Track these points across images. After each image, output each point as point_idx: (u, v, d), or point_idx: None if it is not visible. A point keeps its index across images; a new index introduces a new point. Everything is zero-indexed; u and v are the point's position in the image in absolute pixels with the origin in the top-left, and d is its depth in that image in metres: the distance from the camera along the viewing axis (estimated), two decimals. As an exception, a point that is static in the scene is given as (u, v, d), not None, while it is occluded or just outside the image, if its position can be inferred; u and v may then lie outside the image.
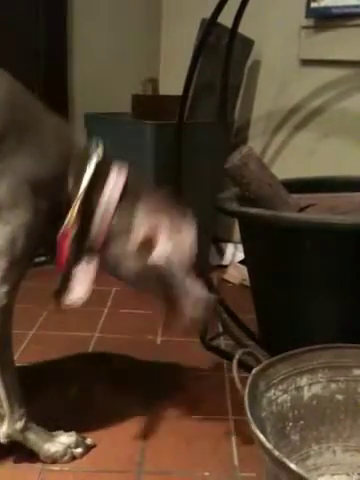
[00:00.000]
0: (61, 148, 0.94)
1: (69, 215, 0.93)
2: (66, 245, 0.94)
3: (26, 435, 1.00)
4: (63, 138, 0.97)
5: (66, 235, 0.94)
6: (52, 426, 1.14)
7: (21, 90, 0.94)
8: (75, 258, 0.96)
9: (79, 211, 0.92)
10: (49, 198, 0.92)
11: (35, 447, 1.02)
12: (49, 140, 0.93)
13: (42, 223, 0.93)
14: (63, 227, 0.93)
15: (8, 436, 0.99)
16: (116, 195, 0.95)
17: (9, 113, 0.88)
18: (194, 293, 0.96)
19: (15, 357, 1.39)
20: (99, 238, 0.96)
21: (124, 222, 0.95)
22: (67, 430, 1.07)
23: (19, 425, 0.99)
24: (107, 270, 1.01)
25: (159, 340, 1.55)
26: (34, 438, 1.01)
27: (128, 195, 0.96)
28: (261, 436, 0.78)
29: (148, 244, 0.90)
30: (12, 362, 1.01)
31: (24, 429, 1.00)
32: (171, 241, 0.91)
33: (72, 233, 0.93)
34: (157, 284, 0.95)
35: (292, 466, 0.73)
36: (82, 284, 0.97)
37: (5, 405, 0.97)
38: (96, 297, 1.74)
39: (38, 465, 1.03)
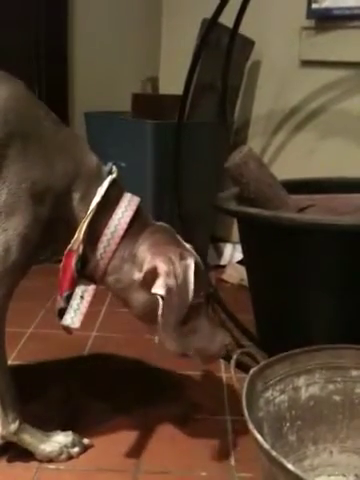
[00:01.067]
0: (67, 163, 0.93)
1: (76, 235, 0.92)
2: (71, 266, 0.93)
3: (21, 436, 1.00)
4: (71, 154, 0.95)
5: (71, 256, 0.93)
6: (49, 425, 1.14)
7: (32, 101, 0.94)
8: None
9: (85, 233, 0.92)
10: (49, 211, 0.91)
11: (30, 447, 1.02)
12: (55, 153, 0.92)
13: (39, 234, 0.92)
14: (68, 247, 0.93)
15: (2, 437, 0.99)
16: (124, 224, 0.94)
17: (15, 121, 0.88)
18: (208, 336, 0.98)
19: (12, 355, 1.40)
20: (101, 265, 0.96)
21: (127, 253, 0.95)
22: (64, 429, 1.07)
23: (13, 427, 0.98)
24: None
25: (157, 339, 1.55)
26: (29, 439, 1.01)
27: (134, 226, 0.96)
28: (258, 436, 0.78)
29: (151, 276, 0.90)
30: (5, 364, 1.00)
31: (18, 430, 0.99)
32: (173, 274, 0.90)
33: (77, 254, 0.93)
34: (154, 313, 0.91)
35: (289, 466, 0.73)
36: (78, 310, 0.97)
37: None
38: (94, 296, 1.76)
39: (34, 464, 1.02)
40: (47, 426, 1.08)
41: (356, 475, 0.99)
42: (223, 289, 1.86)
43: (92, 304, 1.67)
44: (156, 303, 0.89)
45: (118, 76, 2.17)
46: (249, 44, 1.98)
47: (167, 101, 1.87)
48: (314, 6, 1.78)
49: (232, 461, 1.06)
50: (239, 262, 2.01)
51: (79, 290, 0.97)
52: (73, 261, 0.93)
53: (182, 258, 0.92)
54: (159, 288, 0.88)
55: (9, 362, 1.38)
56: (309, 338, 1.08)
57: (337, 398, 1.01)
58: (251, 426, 0.80)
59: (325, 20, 1.78)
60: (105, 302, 1.78)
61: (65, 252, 0.93)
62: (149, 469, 1.03)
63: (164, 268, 0.89)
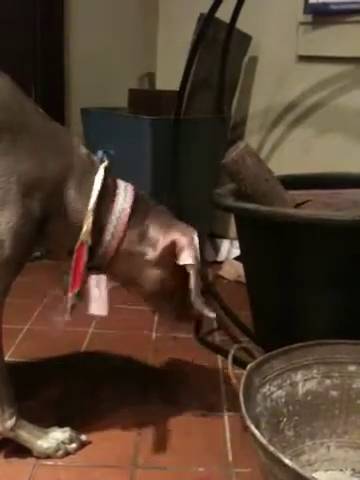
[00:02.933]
0: (59, 155, 0.94)
1: (84, 227, 0.93)
2: (83, 257, 0.94)
3: (18, 432, 1.00)
4: (61, 145, 0.96)
5: (82, 248, 0.94)
6: (46, 422, 1.14)
7: (19, 94, 0.94)
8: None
9: (95, 223, 0.93)
10: (42, 204, 0.91)
11: (28, 444, 1.02)
12: (45, 146, 0.92)
13: (33, 228, 0.91)
14: (78, 242, 0.94)
15: None
16: (128, 209, 0.97)
17: (2, 114, 0.88)
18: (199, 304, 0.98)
19: (9, 352, 1.39)
20: (109, 252, 0.97)
21: (136, 236, 0.97)
22: (61, 426, 1.07)
23: (10, 423, 0.98)
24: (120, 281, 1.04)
25: (154, 336, 1.55)
26: (26, 435, 1.01)
27: (137, 209, 0.98)
28: (256, 431, 0.78)
29: (171, 251, 0.95)
30: (2, 360, 1.00)
31: (15, 427, 0.99)
32: (191, 248, 0.96)
33: (87, 246, 0.94)
34: (167, 289, 0.99)
35: (287, 461, 0.73)
36: (101, 299, 1.02)
37: None
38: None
39: (31, 460, 1.02)
40: (44, 422, 1.07)
41: (353, 470, 1.00)
42: (220, 285, 1.85)
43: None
44: (168, 279, 0.97)
45: (115, 72, 2.17)
46: (246, 39, 1.97)
47: (164, 97, 1.86)
48: (311, 1, 1.77)
49: (230, 457, 1.06)
50: (236, 258, 2.01)
51: (93, 281, 1.00)
52: (84, 254, 0.94)
53: (191, 232, 0.98)
54: (188, 259, 0.93)
55: (5, 359, 1.38)
56: (306, 334, 1.08)
57: (334, 393, 1.01)
58: (248, 421, 0.80)
59: (322, 15, 1.78)
60: (102, 298, 1.78)
61: (76, 246, 0.94)
62: (146, 465, 1.03)
63: (186, 241, 0.95)
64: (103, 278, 1.01)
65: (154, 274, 1.00)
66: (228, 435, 1.13)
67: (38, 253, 2.12)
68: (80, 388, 1.27)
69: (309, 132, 1.93)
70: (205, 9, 1.48)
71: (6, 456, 1.03)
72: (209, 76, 1.85)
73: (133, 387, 1.29)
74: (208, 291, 1.59)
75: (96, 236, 0.95)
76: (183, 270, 0.95)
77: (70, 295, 0.97)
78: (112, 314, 1.67)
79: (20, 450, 1.04)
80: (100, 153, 1.00)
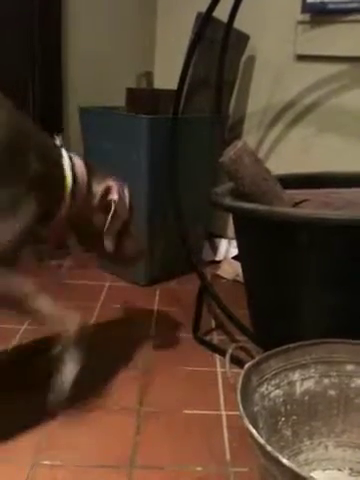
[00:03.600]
0: (46, 150, 1.15)
1: (63, 205, 1.16)
2: (61, 226, 1.20)
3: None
4: (44, 141, 1.17)
5: (60, 220, 1.18)
6: (44, 421, 1.14)
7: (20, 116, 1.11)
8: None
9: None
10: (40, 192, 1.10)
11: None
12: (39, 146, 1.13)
13: (33, 221, 1.10)
14: (62, 206, 1.16)
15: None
16: (85, 174, 1.21)
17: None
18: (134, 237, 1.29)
19: (7, 352, 1.40)
20: (80, 206, 1.20)
21: (88, 190, 1.23)
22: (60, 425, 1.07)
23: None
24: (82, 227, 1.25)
25: (152, 335, 1.55)
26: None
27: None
28: (253, 431, 0.78)
29: (106, 193, 1.24)
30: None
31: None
32: (119, 191, 1.24)
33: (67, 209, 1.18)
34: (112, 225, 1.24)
35: (284, 461, 0.73)
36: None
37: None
38: (89, 292, 1.76)
39: (28, 460, 1.02)
40: (43, 422, 1.07)
41: (351, 469, 1.00)
42: (218, 284, 1.86)
43: (87, 300, 1.67)
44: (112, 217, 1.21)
45: (113, 71, 2.16)
46: (244, 38, 1.97)
47: (162, 96, 1.86)
48: (309, 0, 1.77)
49: (227, 456, 1.06)
50: (234, 258, 2.01)
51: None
52: (62, 221, 1.19)
53: (121, 183, 1.26)
54: (113, 196, 1.23)
55: (3, 358, 1.38)
56: (304, 333, 1.08)
57: (332, 393, 1.01)
58: (246, 421, 0.80)
59: (320, 14, 1.78)
60: (100, 298, 1.78)
61: (59, 210, 1.17)
62: (144, 465, 1.03)
63: (114, 184, 1.24)
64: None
65: (99, 216, 1.23)
66: (226, 434, 1.13)
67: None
68: (77, 388, 1.27)
69: (307, 131, 1.93)
70: (203, 8, 1.47)
71: (4, 456, 1.03)
72: (207, 75, 1.85)
73: (130, 386, 1.29)
74: (206, 289, 1.59)
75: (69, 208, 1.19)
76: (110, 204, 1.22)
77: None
78: (110, 314, 1.68)
79: (18, 450, 1.04)
80: (56, 138, 1.26)
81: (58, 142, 1.29)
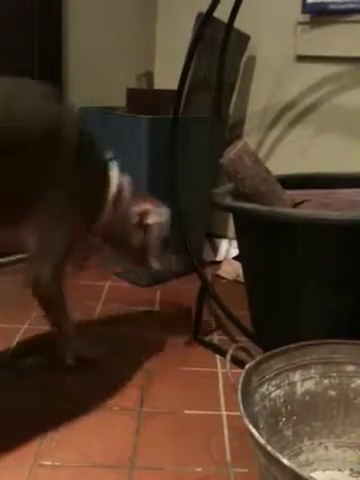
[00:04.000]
0: (99, 162, 1.27)
1: (104, 213, 1.27)
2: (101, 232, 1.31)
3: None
4: (99, 153, 1.28)
5: (101, 225, 1.28)
6: (45, 422, 1.14)
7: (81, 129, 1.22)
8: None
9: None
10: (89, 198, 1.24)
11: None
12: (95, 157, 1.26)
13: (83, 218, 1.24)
14: (101, 218, 1.27)
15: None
16: (129, 191, 1.31)
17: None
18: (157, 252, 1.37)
19: (8, 352, 1.40)
20: (119, 223, 1.31)
21: (127, 210, 1.33)
22: (60, 426, 1.07)
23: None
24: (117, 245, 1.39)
25: (152, 335, 1.55)
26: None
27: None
28: (254, 431, 0.78)
29: (143, 216, 1.33)
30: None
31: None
32: (156, 214, 1.33)
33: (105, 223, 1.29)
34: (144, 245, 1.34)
35: (285, 461, 0.73)
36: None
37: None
38: (90, 292, 1.76)
39: (29, 461, 1.02)
40: (42, 422, 1.07)
41: (351, 470, 1.00)
42: (219, 285, 1.85)
43: (87, 300, 1.67)
44: (146, 239, 1.32)
45: (113, 71, 2.16)
46: (244, 39, 1.97)
47: (162, 96, 1.86)
48: (309, 0, 1.77)
49: (228, 456, 1.06)
50: (235, 258, 2.01)
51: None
52: (101, 229, 1.29)
53: (160, 205, 1.35)
54: (150, 220, 1.32)
55: (4, 358, 1.38)
56: (304, 333, 1.08)
57: (333, 393, 1.01)
58: (247, 421, 0.80)
59: (320, 15, 1.78)
60: (101, 299, 1.78)
61: (98, 223, 1.28)
62: (144, 465, 1.03)
63: (152, 208, 1.33)
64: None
65: (137, 235, 1.34)
66: (226, 435, 1.13)
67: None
68: (77, 388, 1.27)
69: (307, 132, 1.93)
70: (203, 8, 1.47)
71: (4, 456, 1.03)
72: (207, 75, 1.85)
73: (131, 386, 1.29)
74: (206, 289, 1.59)
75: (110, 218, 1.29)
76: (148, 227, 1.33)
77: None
78: (111, 314, 1.68)
79: (17, 450, 1.04)
80: (110, 153, 1.31)
81: (109, 156, 1.32)
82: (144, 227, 1.33)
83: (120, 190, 1.30)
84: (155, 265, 1.36)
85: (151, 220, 1.33)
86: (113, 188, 1.28)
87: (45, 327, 1.51)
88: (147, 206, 1.34)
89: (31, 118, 1.10)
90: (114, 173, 1.29)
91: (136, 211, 1.33)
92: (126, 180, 1.33)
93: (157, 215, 1.34)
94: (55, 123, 1.15)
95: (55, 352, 1.36)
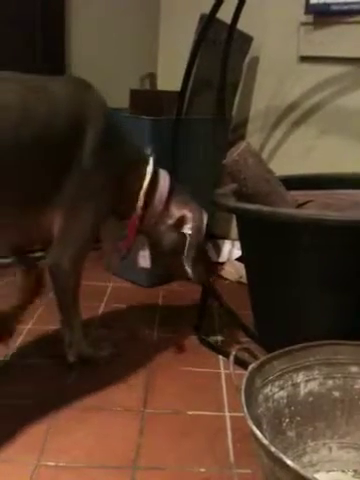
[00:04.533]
0: (130, 153, 1.29)
1: (138, 204, 1.28)
2: (136, 225, 1.30)
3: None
4: (126, 143, 1.28)
5: (136, 219, 1.29)
6: (48, 422, 1.14)
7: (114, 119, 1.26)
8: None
9: (144, 202, 1.28)
10: (116, 189, 1.25)
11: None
12: (125, 147, 1.27)
13: (110, 207, 1.27)
14: (135, 213, 1.29)
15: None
16: (166, 190, 1.32)
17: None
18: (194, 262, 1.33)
19: (13, 352, 1.40)
20: (153, 220, 1.33)
21: (166, 208, 1.33)
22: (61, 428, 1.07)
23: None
24: (151, 241, 1.38)
25: (155, 336, 1.55)
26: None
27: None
28: (257, 432, 0.78)
29: (181, 221, 1.33)
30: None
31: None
32: (195, 222, 1.33)
33: (139, 218, 1.29)
34: (178, 249, 1.33)
35: (288, 462, 0.73)
36: (146, 256, 1.38)
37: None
38: (93, 293, 1.76)
39: (32, 461, 1.02)
40: (46, 421, 1.07)
41: (355, 471, 0.99)
42: (222, 286, 1.85)
43: (91, 300, 1.67)
44: (181, 241, 1.32)
45: (116, 72, 2.17)
46: (247, 40, 1.97)
47: (165, 97, 1.86)
48: (312, 1, 1.77)
49: (231, 457, 1.06)
50: (238, 259, 2.01)
51: (140, 242, 1.36)
52: (137, 222, 1.30)
53: (199, 211, 1.35)
54: (188, 229, 1.32)
55: (6, 359, 1.39)
56: (308, 334, 1.08)
57: (336, 394, 1.01)
58: (250, 422, 0.80)
59: (324, 15, 1.78)
60: (103, 299, 1.78)
61: (132, 217, 1.29)
62: (147, 465, 1.03)
63: (191, 215, 1.33)
64: (145, 240, 1.36)
65: (170, 236, 1.34)
66: (229, 436, 1.13)
67: (41, 253, 2.14)
68: (81, 388, 1.27)
69: (310, 132, 1.93)
70: (206, 10, 1.47)
71: (7, 456, 1.03)
72: (210, 76, 1.85)
73: (134, 386, 1.29)
74: (210, 289, 1.59)
75: (144, 211, 1.29)
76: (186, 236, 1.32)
77: (124, 251, 1.34)
78: (114, 314, 1.68)
79: (21, 450, 1.04)
80: (149, 149, 1.34)
81: (148, 152, 1.34)
82: (181, 233, 1.32)
83: (155, 186, 1.29)
84: (188, 272, 1.32)
85: (188, 228, 1.31)
86: (146, 182, 1.27)
87: (50, 327, 1.51)
88: (186, 212, 1.32)
89: (56, 105, 1.14)
90: (149, 168, 1.29)
91: (175, 214, 1.32)
92: (166, 178, 1.33)
93: (195, 223, 1.32)
94: (79, 109, 1.17)
95: (57, 352, 1.36)
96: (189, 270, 1.31)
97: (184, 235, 1.32)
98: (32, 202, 1.16)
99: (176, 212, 1.32)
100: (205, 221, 1.35)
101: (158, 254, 1.40)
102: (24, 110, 1.09)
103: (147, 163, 1.30)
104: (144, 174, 1.28)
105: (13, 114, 1.07)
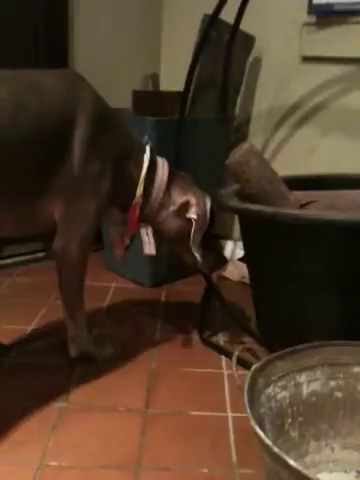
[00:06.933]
0: (126, 140, 1.30)
1: (138, 193, 1.29)
2: (136, 213, 1.31)
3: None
4: (126, 133, 1.32)
5: (136, 206, 1.30)
6: (51, 423, 1.15)
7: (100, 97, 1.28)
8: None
9: (144, 189, 1.29)
10: (113, 170, 1.25)
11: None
12: (119, 133, 1.28)
13: (110, 194, 1.26)
14: (134, 201, 1.29)
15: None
16: (165, 177, 1.33)
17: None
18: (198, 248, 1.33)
19: (15, 353, 1.40)
20: (154, 207, 1.33)
21: (168, 195, 1.34)
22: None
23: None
24: (154, 228, 1.38)
25: (158, 336, 1.55)
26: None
27: (168, 179, 1.34)
28: (260, 432, 0.78)
29: (185, 207, 1.33)
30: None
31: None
32: (199, 206, 1.33)
33: (139, 205, 1.30)
34: (183, 235, 1.33)
35: (291, 462, 0.73)
36: (151, 244, 1.37)
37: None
38: (96, 293, 1.76)
39: (35, 461, 1.02)
40: (49, 422, 1.07)
41: (358, 471, 0.99)
42: (224, 286, 1.85)
43: (93, 301, 1.67)
44: (185, 227, 1.32)
45: (119, 73, 2.17)
46: (250, 40, 1.97)
47: (168, 97, 1.86)
48: (315, 1, 1.77)
49: (234, 457, 1.06)
50: (240, 259, 2.01)
51: (143, 230, 1.36)
52: (137, 210, 1.31)
53: (203, 196, 1.35)
54: (193, 214, 1.32)
55: (11, 359, 1.39)
56: (310, 335, 1.08)
57: (339, 394, 1.01)
58: (253, 422, 0.80)
59: (326, 16, 1.77)
60: (106, 299, 1.78)
61: (132, 205, 1.30)
62: (150, 466, 1.03)
63: (195, 201, 1.33)
64: (149, 228, 1.36)
65: (173, 222, 1.35)
66: (232, 436, 1.13)
67: (42, 254, 2.14)
68: (84, 388, 1.28)
69: (313, 133, 1.92)
70: (209, 10, 1.47)
71: (10, 457, 1.03)
72: (213, 77, 1.85)
73: (137, 387, 1.29)
74: (211, 291, 1.59)
75: (144, 199, 1.30)
76: (191, 222, 1.32)
77: (126, 239, 1.36)
78: (116, 314, 1.68)
79: (24, 451, 1.04)
80: (146, 138, 1.43)
81: (145, 141, 1.39)
82: (185, 219, 1.32)
83: (154, 173, 1.30)
84: (197, 257, 1.32)
85: (193, 214, 1.31)
86: (144, 169, 1.29)
87: (53, 328, 1.52)
88: (189, 197, 1.33)
89: (48, 96, 1.17)
90: (146, 156, 1.30)
91: (177, 200, 1.33)
92: (164, 165, 1.34)
93: (199, 208, 1.32)
94: (71, 98, 1.20)
95: (60, 352, 1.37)
96: (197, 255, 1.31)
97: (189, 221, 1.32)
98: (29, 191, 1.18)
99: (178, 198, 1.33)
100: (209, 206, 1.34)
101: (164, 242, 1.41)
102: (17, 104, 1.12)
103: (144, 152, 1.31)
104: (142, 162, 1.30)
105: (6, 107, 1.10)
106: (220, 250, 1.48)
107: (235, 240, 2.16)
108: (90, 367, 1.35)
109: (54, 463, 1.03)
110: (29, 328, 1.55)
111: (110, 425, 1.15)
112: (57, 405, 1.20)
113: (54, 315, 1.58)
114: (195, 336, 1.55)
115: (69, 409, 1.19)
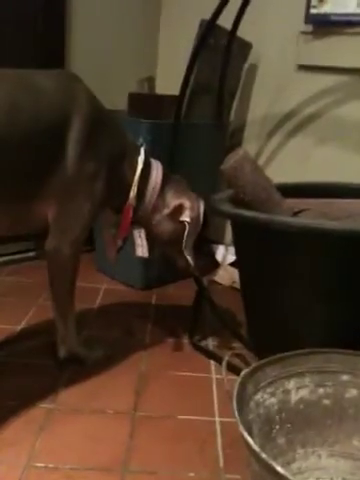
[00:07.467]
0: (120, 142, 1.30)
1: (131, 195, 1.29)
2: (130, 215, 1.31)
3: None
4: (120, 134, 1.32)
5: (129, 208, 1.30)
6: (38, 424, 1.14)
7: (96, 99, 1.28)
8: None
9: (137, 191, 1.29)
10: (107, 173, 1.25)
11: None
12: (113, 134, 1.28)
13: (104, 196, 1.27)
14: (128, 202, 1.29)
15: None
16: (159, 180, 1.33)
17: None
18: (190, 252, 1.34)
19: (3, 353, 1.39)
20: (148, 209, 1.33)
21: (161, 198, 1.33)
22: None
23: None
24: (147, 231, 1.37)
25: (148, 339, 1.55)
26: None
27: (162, 180, 1.34)
28: (248, 438, 0.78)
29: (178, 210, 1.33)
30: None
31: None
32: (193, 210, 1.33)
33: (133, 207, 1.30)
34: (176, 238, 1.33)
35: (278, 469, 0.73)
36: (143, 246, 1.36)
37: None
38: (86, 294, 1.76)
39: (21, 462, 1.02)
40: (36, 423, 1.07)
41: (344, 479, 1.00)
42: (215, 290, 1.86)
43: (83, 302, 1.67)
44: (178, 230, 1.32)
45: (115, 75, 2.17)
46: (247, 47, 1.98)
47: (164, 101, 1.87)
48: (312, 11, 1.78)
49: (221, 462, 1.06)
50: (231, 264, 2.02)
51: (136, 232, 1.36)
52: (131, 212, 1.30)
53: (197, 200, 1.35)
54: (186, 217, 1.32)
55: (0, 359, 1.38)
56: (300, 341, 1.08)
57: (327, 402, 1.01)
58: (241, 428, 0.80)
59: (323, 25, 1.79)
60: (96, 301, 1.78)
61: (125, 207, 1.30)
62: (137, 469, 1.03)
63: (189, 204, 1.33)
64: (142, 230, 1.36)
65: (167, 225, 1.35)
66: (220, 441, 1.13)
67: (32, 253, 2.13)
68: (72, 390, 1.27)
69: (307, 141, 1.94)
70: (206, 15, 1.48)
71: (-3, 457, 1.03)
72: (209, 82, 1.85)
73: (125, 390, 1.29)
74: (202, 295, 1.59)
75: (137, 201, 1.30)
76: (184, 225, 1.31)
77: (119, 241, 1.35)
78: (106, 317, 1.68)
79: (10, 451, 1.04)
80: (140, 140, 1.43)
81: (139, 143, 1.40)
82: (178, 222, 1.32)
83: (147, 176, 1.30)
84: (189, 261, 1.32)
85: (186, 217, 1.31)
86: (138, 172, 1.29)
87: (42, 328, 1.51)
88: (182, 201, 1.33)
89: (43, 96, 1.18)
90: (141, 158, 1.30)
91: (171, 203, 1.33)
92: (158, 168, 1.34)
93: (193, 211, 1.32)
94: (66, 99, 1.20)
95: (48, 353, 1.36)
96: (190, 259, 1.32)
97: (182, 224, 1.32)
98: (24, 191, 1.18)
99: (172, 201, 1.33)
100: (202, 209, 1.35)
101: (157, 245, 1.40)
102: (12, 104, 1.12)
103: (138, 153, 1.31)
104: (136, 164, 1.30)
105: (1, 107, 1.10)
106: (212, 254, 1.49)
107: (226, 245, 2.17)
108: (79, 369, 1.34)
109: (40, 464, 1.02)
110: (18, 328, 1.54)
111: (98, 427, 1.15)
112: (45, 406, 1.20)
113: (43, 315, 1.57)
114: (185, 340, 1.55)
115: (57, 410, 1.19)
